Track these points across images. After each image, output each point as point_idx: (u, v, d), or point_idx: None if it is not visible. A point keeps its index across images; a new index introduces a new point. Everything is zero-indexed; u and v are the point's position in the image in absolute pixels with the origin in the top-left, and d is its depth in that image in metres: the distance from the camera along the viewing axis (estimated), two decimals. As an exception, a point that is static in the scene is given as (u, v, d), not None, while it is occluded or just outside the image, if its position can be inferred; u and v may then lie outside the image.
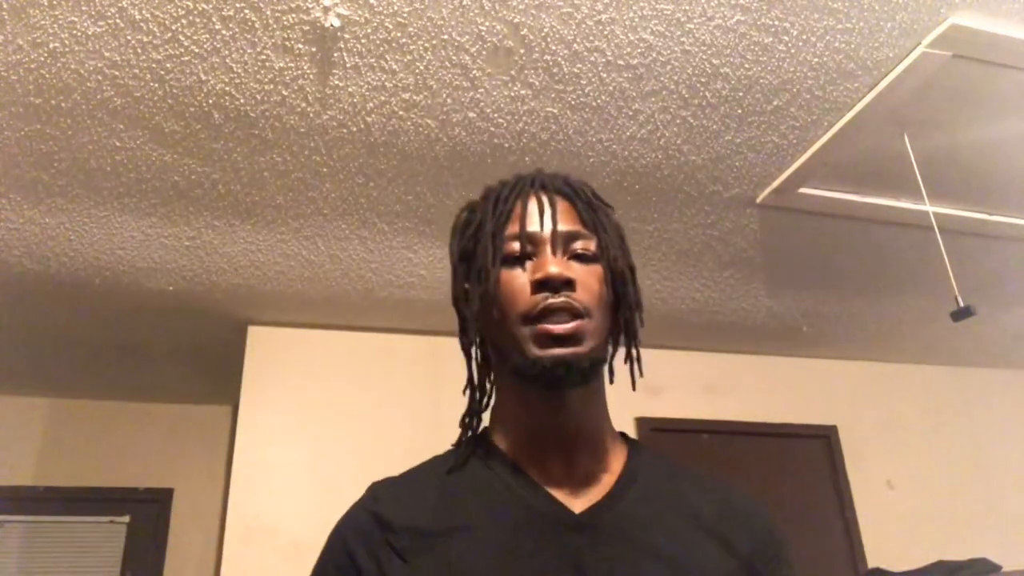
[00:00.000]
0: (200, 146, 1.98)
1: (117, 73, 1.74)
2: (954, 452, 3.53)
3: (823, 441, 3.36)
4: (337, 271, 2.62)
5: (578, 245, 0.84)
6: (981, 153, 2.20)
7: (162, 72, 1.74)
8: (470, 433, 0.89)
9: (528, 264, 0.83)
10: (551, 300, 0.79)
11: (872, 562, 3.06)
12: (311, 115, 1.90)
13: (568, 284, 0.80)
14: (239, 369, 2.87)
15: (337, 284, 2.70)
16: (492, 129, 1.98)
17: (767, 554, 0.83)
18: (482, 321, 0.85)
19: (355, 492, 0.87)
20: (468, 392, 0.90)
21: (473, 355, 0.89)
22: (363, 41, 1.70)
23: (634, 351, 0.89)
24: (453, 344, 0.90)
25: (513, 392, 0.86)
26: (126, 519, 3.49)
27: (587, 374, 0.80)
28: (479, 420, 0.90)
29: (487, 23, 1.67)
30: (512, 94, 1.87)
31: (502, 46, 1.73)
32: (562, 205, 0.86)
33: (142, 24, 1.62)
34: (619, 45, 1.75)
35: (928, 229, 2.22)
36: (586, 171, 2.12)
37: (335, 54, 1.72)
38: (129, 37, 1.65)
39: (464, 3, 1.62)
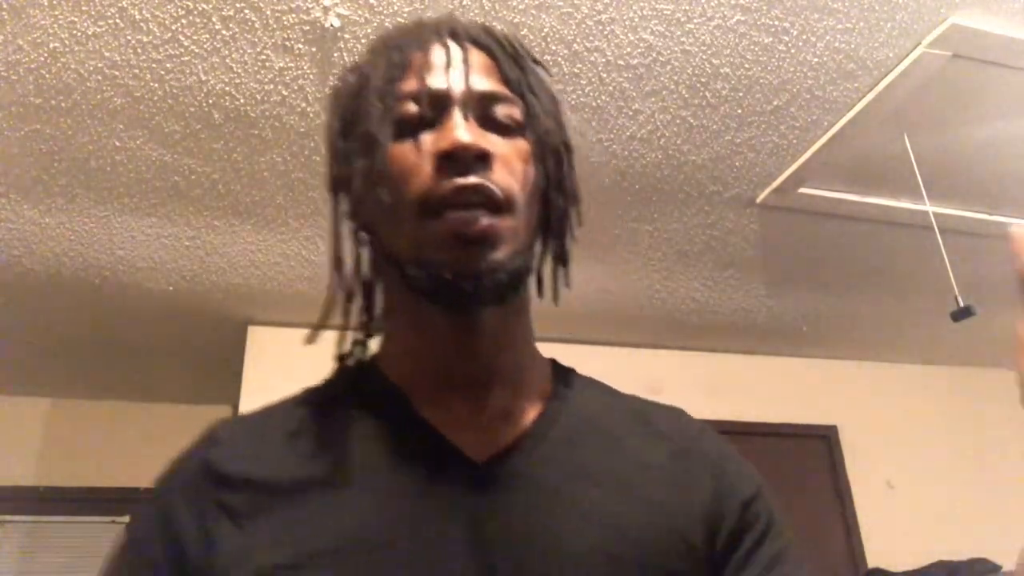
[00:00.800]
0: (200, 146, 1.98)
1: (117, 73, 1.74)
2: (954, 452, 3.53)
3: (823, 441, 3.36)
4: (337, 271, 2.62)
5: (498, 110, 0.62)
6: (981, 153, 2.20)
7: (162, 72, 1.74)
8: (351, 361, 0.70)
9: (429, 135, 0.60)
10: (458, 181, 0.57)
11: (872, 562, 3.06)
12: (311, 115, 1.90)
13: (483, 159, 0.58)
14: (239, 369, 2.87)
15: (337, 284, 2.70)
16: (492, 129, 1.98)
17: (738, 501, 0.64)
18: (367, 208, 0.63)
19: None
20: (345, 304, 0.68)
21: (345, 250, 0.66)
22: (363, 41, 1.69)
23: (564, 253, 0.68)
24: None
25: (407, 309, 0.64)
26: (126, 519, 3.48)
27: (504, 290, 0.59)
28: (364, 345, 0.70)
29: (487, 23, 1.67)
30: (512, 94, 1.87)
31: (502, 46, 1.73)
32: (478, 57, 0.64)
33: (142, 24, 1.62)
34: (619, 45, 1.75)
35: (928, 229, 2.22)
36: (586, 171, 2.12)
37: (335, 54, 1.72)
38: (129, 37, 1.65)
39: (464, 3, 1.62)
